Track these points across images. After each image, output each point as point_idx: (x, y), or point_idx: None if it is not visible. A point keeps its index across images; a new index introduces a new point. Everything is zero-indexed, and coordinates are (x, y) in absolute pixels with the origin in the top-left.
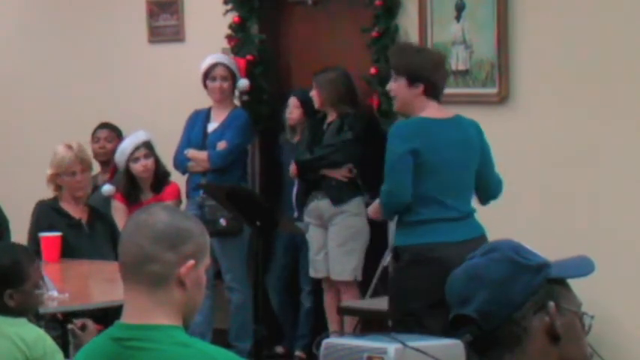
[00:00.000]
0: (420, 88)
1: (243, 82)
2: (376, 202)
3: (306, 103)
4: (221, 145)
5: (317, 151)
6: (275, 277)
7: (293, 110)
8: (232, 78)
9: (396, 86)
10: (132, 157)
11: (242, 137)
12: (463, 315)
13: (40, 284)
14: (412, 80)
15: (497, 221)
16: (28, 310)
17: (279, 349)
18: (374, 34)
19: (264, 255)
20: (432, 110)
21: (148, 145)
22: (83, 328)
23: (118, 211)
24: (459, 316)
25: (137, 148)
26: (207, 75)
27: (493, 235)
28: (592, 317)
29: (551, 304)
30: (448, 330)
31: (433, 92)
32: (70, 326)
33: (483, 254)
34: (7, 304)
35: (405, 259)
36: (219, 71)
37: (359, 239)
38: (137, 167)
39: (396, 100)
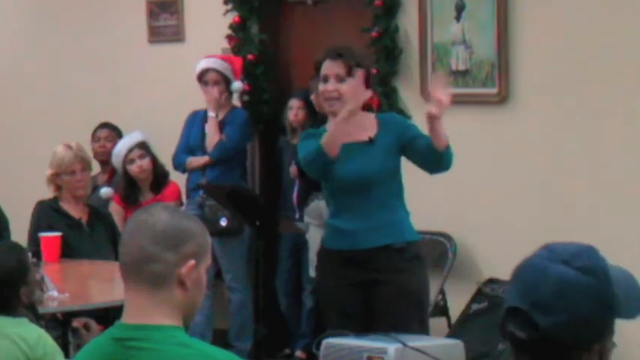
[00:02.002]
0: (370, 90)
1: (237, 85)
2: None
3: (308, 102)
4: (221, 136)
5: None
6: (282, 280)
7: (297, 112)
8: (225, 82)
9: (354, 86)
10: (127, 159)
11: (241, 133)
12: (529, 315)
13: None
14: (367, 80)
15: (496, 222)
16: (34, 304)
17: (287, 351)
18: (374, 34)
19: (270, 257)
20: None
21: (142, 146)
22: (87, 327)
23: (115, 213)
24: (520, 310)
25: (131, 150)
26: (200, 78)
27: (493, 235)
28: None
29: (613, 342)
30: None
31: None
32: (75, 324)
33: (579, 269)
34: (22, 301)
35: (421, 254)
36: (210, 76)
37: None
38: (133, 168)
39: (356, 100)
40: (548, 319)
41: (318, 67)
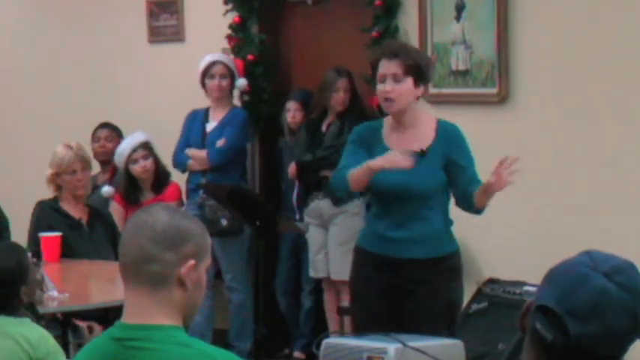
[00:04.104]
0: (421, 89)
1: (242, 82)
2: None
3: (305, 103)
4: (220, 143)
5: (318, 152)
6: (282, 280)
7: (295, 114)
8: (231, 76)
9: (405, 88)
10: (130, 159)
11: (241, 135)
12: (562, 320)
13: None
14: (418, 81)
15: (496, 222)
16: (34, 304)
17: (286, 351)
18: (374, 34)
19: (270, 257)
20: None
21: (146, 146)
22: (90, 329)
23: (115, 213)
24: (553, 312)
25: (135, 150)
26: (206, 73)
27: (493, 235)
28: None
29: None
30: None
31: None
32: (81, 325)
33: (619, 285)
34: (23, 301)
35: (454, 266)
36: (218, 69)
37: None
38: (136, 168)
39: (400, 102)
40: (582, 329)
41: (374, 66)
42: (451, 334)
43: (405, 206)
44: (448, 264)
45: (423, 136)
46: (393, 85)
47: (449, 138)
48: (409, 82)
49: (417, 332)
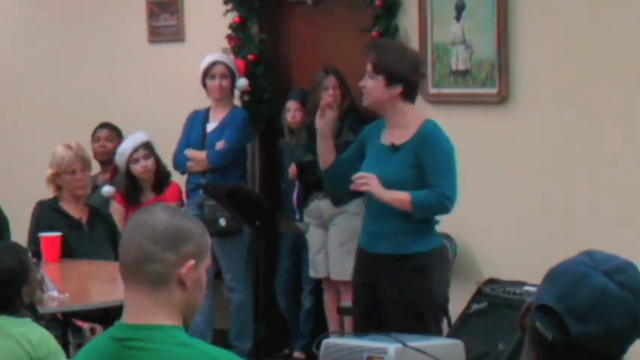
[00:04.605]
0: (399, 89)
1: (243, 82)
2: (401, 195)
3: (305, 103)
4: (220, 144)
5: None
6: (282, 279)
7: (295, 113)
8: (232, 77)
9: (373, 84)
10: (131, 159)
11: (241, 136)
12: (563, 319)
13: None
14: (391, 80)
15: (496, 222)
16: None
17: (286, 351)
18: (374, 34)
19: (270, 257)
20: (419, 111)
21: (147, 146)
22: (92, 331)
23: (116, 213)
24: (553, 311)
25: (136, 150)
26: (207, 73)
27: (493, 235)
28: None
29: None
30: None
31: (411, 94)
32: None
33: (620, 284)
34: (24, 301)
35: (437, 264)
36: (218, 69)
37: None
38: (137, 168)
39: (368, 97)
40: (583, 328)
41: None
42: (427, 332)
43: (378, 200)
44: (412, 263)
45: (406, 134)
46: (366, 81)
47: (423, 139)
48: (380, 80)
49: (390, 330)
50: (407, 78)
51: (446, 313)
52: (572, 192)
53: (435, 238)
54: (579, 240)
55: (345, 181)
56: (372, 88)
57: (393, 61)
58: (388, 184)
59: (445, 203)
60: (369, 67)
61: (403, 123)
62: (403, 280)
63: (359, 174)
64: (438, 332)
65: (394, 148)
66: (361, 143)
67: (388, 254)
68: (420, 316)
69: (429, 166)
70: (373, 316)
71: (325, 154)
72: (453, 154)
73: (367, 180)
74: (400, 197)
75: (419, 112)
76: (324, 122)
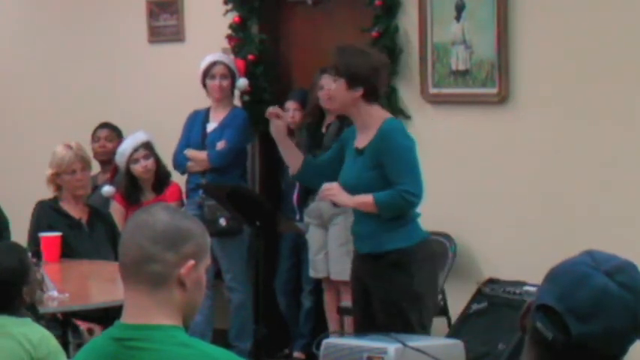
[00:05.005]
0: (360, 91)
1: (243, 82)
2: (364, 198)
3: (305, 103)
4: (220, 145)
5: (318, 153)
6: (282, 279)
7: (294, 114)
8: (232, 77)
9: (336, 88)
10: (131, 159)
11: (241, 136)
12: (563, 318)
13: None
14: (352, 83)
15: (496, 222)
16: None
17: (286, 351)
18: (374, 34)
19: (270, 257)
20: (384, 112)
21: (147, 146)
22: (90, 332)
23: (116, 213)
24: (554, 311)
25: (136, 150)
26: (207, 73)
27: (493, 235)
28: None
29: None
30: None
31: (373, 96)
32: (81, 328)
33: (620, 284)
34: (25, 300)
35: (417, 260)
36: (218, 69)
37: None
38: (137, 168)
39: (333, 101)
40: (583, 328)
41: None
42: (411, 329)
43: None
44: (389, 260)
45: (369, 135)
46: (330, 84)
47: (381, 139)
48: (341, 83)
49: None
50: (367, 80)
51: (445, 312)
52: (572, 192)
53: (414, 233)
54: (579, 240)
55: (321, 180)
56: (335, 91)
57: (353, 63)
58: (352, 188)
59: (409, 199)
60: (333, 70)
61: (368, 125)
62: (383, 278)
63: (324, 185)
64: (422, 329)
65: (358, 152)
66: (341, 145)
67: (369, 253)
68: (401, 312)
69: (388, 165)
70: (368, 316)
71: (289, 159)
72: (412, 149)
73: (331, 190)
74: (363, 200)
75: (383, 113)
76: (275, 130)
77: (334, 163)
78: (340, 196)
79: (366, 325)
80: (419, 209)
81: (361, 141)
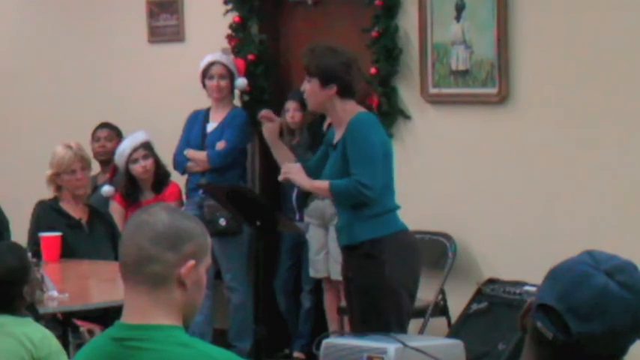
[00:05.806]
0: (334, 88)
1: (242, 81)
2: (321, 184)
3: (305, 103)
4: (220, 145)
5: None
6: (282, 279)
7: (294, 114)
8: (230, 76)
9: (310, 88)
10: (131, 159)
11: (241, 136)
12: (563, 318)
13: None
14: (325, 81)
15: (496, 222)
16: (34, 304)
17: (286, 351)
18: (374, 34)
19: (270, 257)
20: (358, 107)
21: (146, 146)
22: (91, 332)
23: (115, 213)
24: (554, 310)
25: (135, 150)
26: (206, 74)
27: (493, 235)
28: None
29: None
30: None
31: (347, 92)
32: (82, 329)
33: (621, 284)
34: (26, 300)
35: (389, 250)
36: (216, 70)
37: None
38: (136, 168)
39: (309, 101)
40: (583, 327)
41: None
42: (384, 324)
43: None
44: (361, 251)
45: (343, 130)
46: (305, 85)
47: (349, 131)
48: (315, 82)
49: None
50: (339, 76)
51: (445, 312)
52: (573, 192)
53: (388, 224)
54: (579, 240)
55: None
56: (310, 91)
57: (323, 62)
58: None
59: (361, 190)
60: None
61: (343, 120)
62: (357, 269)
63: (284, 166)
64: (398, 321)
65: (333, 148)
66: (326, 144)
67: (346, 245)
68: (374, 304)
69: (350, 156)
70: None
71: (282, 162)
72: (376, 144)
73: (290, 170)
74: (319, 185)
75: (356, 108)
76: (267, 133)
77: (323, 164)
78: (298, 176)
79: (355, 323)
80: (399, 202)
81: (337, 137)
